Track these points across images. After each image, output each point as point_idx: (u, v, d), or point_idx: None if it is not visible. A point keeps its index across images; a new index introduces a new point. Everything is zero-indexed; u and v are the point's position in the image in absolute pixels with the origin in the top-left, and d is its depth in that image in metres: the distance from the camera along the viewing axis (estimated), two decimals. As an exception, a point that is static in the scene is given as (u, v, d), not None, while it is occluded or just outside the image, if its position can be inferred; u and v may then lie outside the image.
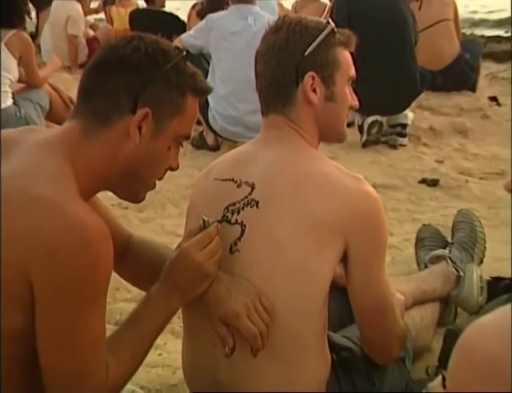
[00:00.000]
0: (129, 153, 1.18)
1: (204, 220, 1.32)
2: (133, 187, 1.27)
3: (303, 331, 1.39)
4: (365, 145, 4.24)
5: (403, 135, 4.24)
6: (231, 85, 3.91)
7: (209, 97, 3.91)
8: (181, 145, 1.29)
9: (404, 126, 4.22)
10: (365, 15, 3.92)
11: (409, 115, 4.28)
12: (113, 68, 1.18)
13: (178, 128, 1.22)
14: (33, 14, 5.77)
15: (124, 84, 1.17)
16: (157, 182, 1.31)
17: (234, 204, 1.40)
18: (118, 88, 1.16)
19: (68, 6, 6.33)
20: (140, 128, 1.17)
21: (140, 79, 1.17)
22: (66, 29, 6.29)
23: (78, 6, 6.40)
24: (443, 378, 1.29)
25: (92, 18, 7.56)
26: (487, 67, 6.24)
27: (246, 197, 1.39)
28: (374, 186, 1.50)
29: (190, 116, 1.24)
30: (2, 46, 3.86)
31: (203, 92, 1.29)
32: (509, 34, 8.65)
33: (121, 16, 6.57)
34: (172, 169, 1.29)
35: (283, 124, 1.45)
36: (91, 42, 6.43)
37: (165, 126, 1.20)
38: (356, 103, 1.54)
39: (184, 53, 1.23)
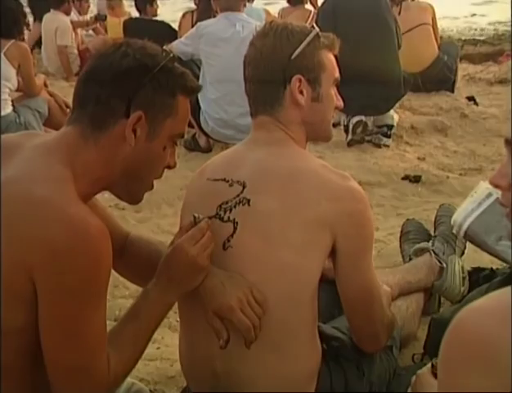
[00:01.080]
0: (126, 155, 1.18)
1: (194, 217, 1.32)
2: (132, 188, 1.26)
3: (295, 322, 1.39)
4: (350, 144, 4.25)
5: (388, 136, 4.26)
6: (222, 89, 3.91)
7: (201, 101, 3.91)
8: (176, 144, 1.29)
9: (390, 127, 4.24)
10: (350, 20, 3.93)
11: (394, 116, 4.30)
12: (104, 75, 1.17)
13: (172, 128, 1.22)
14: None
15: (116, 90, 1.16)
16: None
17: (226, 202, 1.39)
18: (110, 94, 1.16)
19: (56, 19, 6.31)
20: (134, 130, 1.16)
21: (130, 83, 1.16)
22: (56, 41, 6.28)
23: (66, 18, 6.38)
24: (432, 366, 1.29)
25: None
26: (464, 68, 6.28)
27: (238, 196, 1.38)
28: (359, 183, 1.50)
29: (182, 115, 1.24)
30: (2, 56, 3.84)
31: (193, 91, 1.28)
32: (483, 38, 8.69)
33: (115, 26, 6.56)
34: (169, 168, 1.28)
35: (271, 125, 1.45)
36: (83, 53, 6.41)
37: (159, 127, 1.19)
38: (340, 103, 1.54)
39: (171, 55, 1.23)
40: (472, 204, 1.45)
